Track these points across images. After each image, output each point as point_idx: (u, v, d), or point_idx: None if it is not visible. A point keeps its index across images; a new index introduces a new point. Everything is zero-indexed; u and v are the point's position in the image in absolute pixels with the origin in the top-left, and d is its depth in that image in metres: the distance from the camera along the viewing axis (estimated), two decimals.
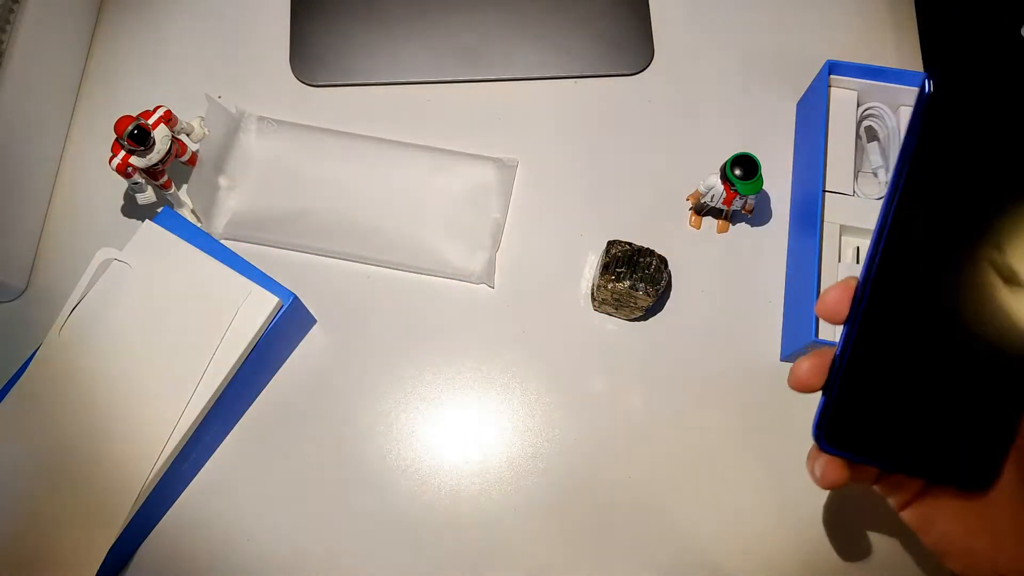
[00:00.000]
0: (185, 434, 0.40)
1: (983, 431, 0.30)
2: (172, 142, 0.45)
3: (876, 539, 0.44)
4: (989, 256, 0.30)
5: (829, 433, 0.31)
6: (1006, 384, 0.30)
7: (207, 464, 0.46)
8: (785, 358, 0.47)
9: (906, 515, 0.33)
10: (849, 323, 0.31)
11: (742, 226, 0.51)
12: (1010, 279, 0.30)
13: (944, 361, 0.30)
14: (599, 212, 0.51)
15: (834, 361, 0.31)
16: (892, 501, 0.33)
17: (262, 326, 0.42)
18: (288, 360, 0.48)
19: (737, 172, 0.46)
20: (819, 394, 0.32)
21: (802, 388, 0.32)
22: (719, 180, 0.47)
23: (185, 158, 0.48)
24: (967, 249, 0.30)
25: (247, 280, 0.43)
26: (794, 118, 0.53)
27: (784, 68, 0.54)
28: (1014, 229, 0.30)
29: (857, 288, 0.31)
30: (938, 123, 0.30)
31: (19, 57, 0.46)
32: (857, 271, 0.47)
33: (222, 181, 0.50)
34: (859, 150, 0.49)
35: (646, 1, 0.55)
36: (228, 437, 0.46)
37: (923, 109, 0.30)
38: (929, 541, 0.32)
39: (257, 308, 0.42)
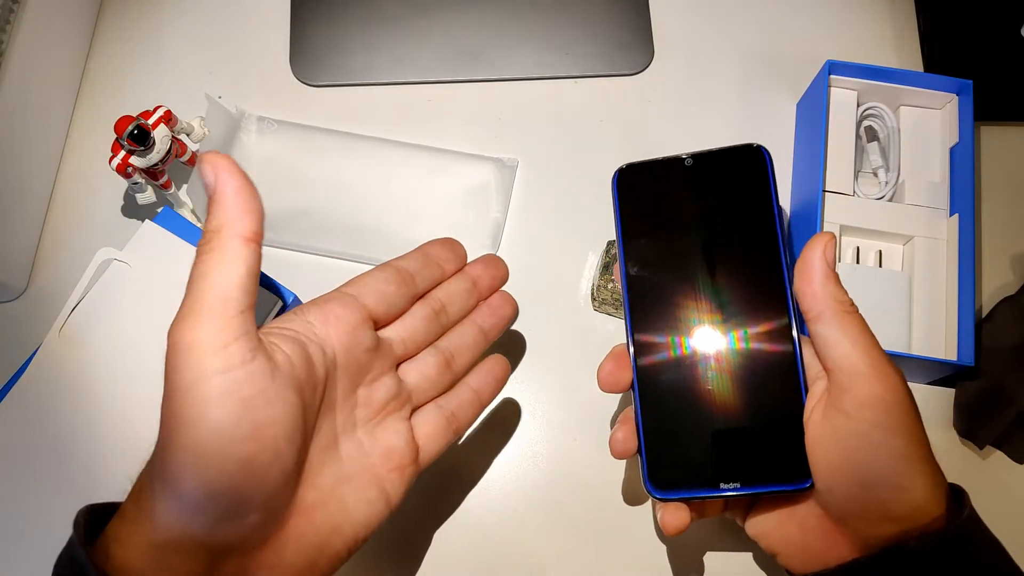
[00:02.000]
0: None
1: (781, 435, 0.33)
2: (172, 142, 0.45)
3: None
4: (708, 286, 0.35)
5: (655, 482, 0.34)
6: (780, 391, 0.34)
7: None
8: None
9: (747, 530, 0.36)
10: (633, 383, 0.35)
11: None
12: (730, 308, 0.35)
13: (720, 387, 0.34)
14: (599, 212, 0.51)
15: (635, 416, 0.35)
16: (737, 521, 0.37)
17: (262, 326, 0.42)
18: None
19: None
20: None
21: (621, 456, 0.36)
22: None
23: (185, 158, 0.48)
24: (691, 281, 0.36)
25: None
26: (794, 118, 0.53)
27: (784, 68, 0.54)
28: (714, 266, 0.35)
29: (628, 350, 0.36)
30: (629, 199, 0.38)
31: (19, 57, 0.46)
32: (857, 271, 0.47)
33: None
34: (859, 150, 0.49)
35: (646, 1, 0.55)
36: None
37: (615, 192, 0.38)
38: (764, 545, 0.35)
39: (257, 308, 0.42)
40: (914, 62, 0.54)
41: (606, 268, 0.45)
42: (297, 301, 0.44)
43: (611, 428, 0.36)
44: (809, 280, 0.33)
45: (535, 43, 0.54)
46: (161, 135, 0.45)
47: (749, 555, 0.44)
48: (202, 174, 0.30)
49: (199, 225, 0.47)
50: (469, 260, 0.40)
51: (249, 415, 0.27)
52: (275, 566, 0.30)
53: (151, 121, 0.44)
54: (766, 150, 0.36)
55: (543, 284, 0.49)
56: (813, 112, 0.49)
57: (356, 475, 0.33)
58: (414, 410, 0.36)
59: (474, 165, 0.51)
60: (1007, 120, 0.53)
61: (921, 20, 0.54)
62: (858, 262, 0.48)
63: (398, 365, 0.36)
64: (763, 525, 0.35)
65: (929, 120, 0.50)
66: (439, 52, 0.54)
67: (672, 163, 0.37)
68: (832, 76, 0.49)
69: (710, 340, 0.35)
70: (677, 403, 0.35)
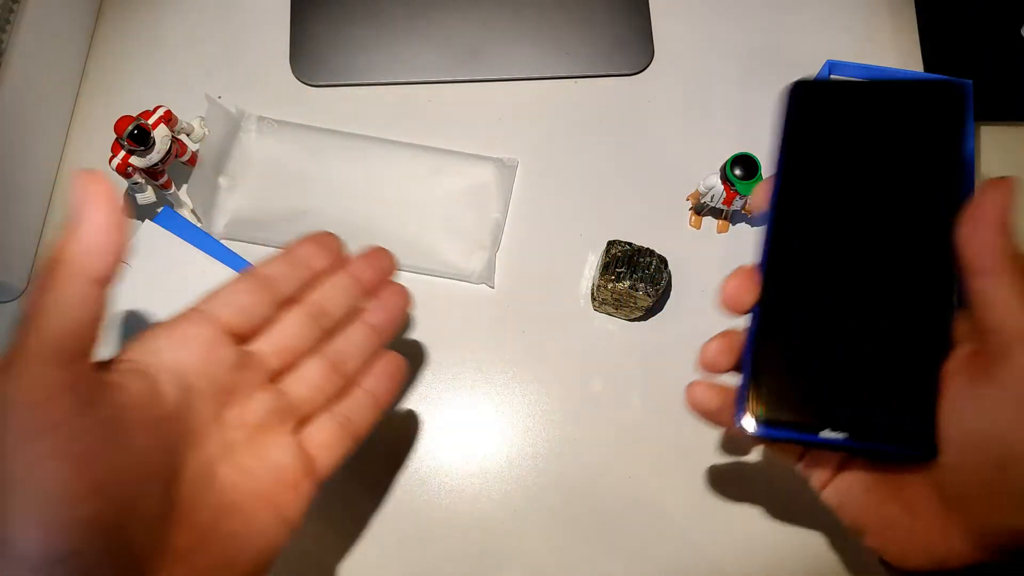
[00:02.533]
0: None
1: (911, 392, 0.29)
2: (172, 142, 0.45)
3: None
4: (871, 218, 0.32)
5: (757, 413, 0.30)
6: (921, 344, 0.30)
7: None
8: None
9: (825, 495, 0.32)
10: (755, 306, 0.32)
11: (742, 226, 0.51)
12: (897, 238, 0.31)
13: (854, 327, 0.31)
14: (599, 212, 0.51)
15: (746, 341, 0.31)
16: (813, 482, 0.33)
17: None
18: None
19: (737, 172, 0.46)
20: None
21: (710, 368, 0.32)
22: (719, 180, 0.47)
23: (185, 158, 0.48)
24: (851, 216, 0.32)
25: None
26: None
27: (784, 68, 0.54)
28: (887, 193, 0.32)
29: (759, 268, 0.32)
30: (800, 118, 0.34)
31: (19, 57, 0.46)
32: None
33: (222, 181, 0.50)
34: None
35: (646, 1, 0.55)
36: None
37: (787, 107, 0.34)
38: (847, 518, 0.31)
39: None
40: (914, 62, 0.54)
41: (606, 268, 0.46)
42: None
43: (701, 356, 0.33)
44: (981, 227, 0.28)
45: (535, 43, 0.54)
46: (161, 135, 0.45)
47: (751, 555, 0.44)
48: (74, 190, 0.26)
49: (199, 225, 0.47)
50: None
51: (89, 470, 0.25)
52: None
53: (151, 121, 0.44)
54: (968, 90, 0.31)
55: (543, 284, 0.49)
56: None
57: (242, 503, 0.30)
58: (305, 421, 0.34)
59: (474, 165, 0.51)
60: (1007, 120, 0.53)
61: (921, 20, 0.54)
62: None
63: (278, 377, 0.33)
64: (855, 495, 0.31)
65: None
66: (439, 52, 0.54)
67: (857, 89, 0.33)
68: (832, 76, 0.49)
69: (852, 271, 0.31)
70: (798, 334, 0.31)
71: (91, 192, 0.26)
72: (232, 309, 0.32)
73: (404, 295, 0.37)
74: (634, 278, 0.45)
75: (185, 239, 0.43)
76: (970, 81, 0.32)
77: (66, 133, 0.52)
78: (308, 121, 0.52)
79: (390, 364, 0.36)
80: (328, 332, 0.35)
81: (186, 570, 0.28)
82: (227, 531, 0.29)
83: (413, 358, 0.48)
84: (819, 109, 0.34)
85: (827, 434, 0.29)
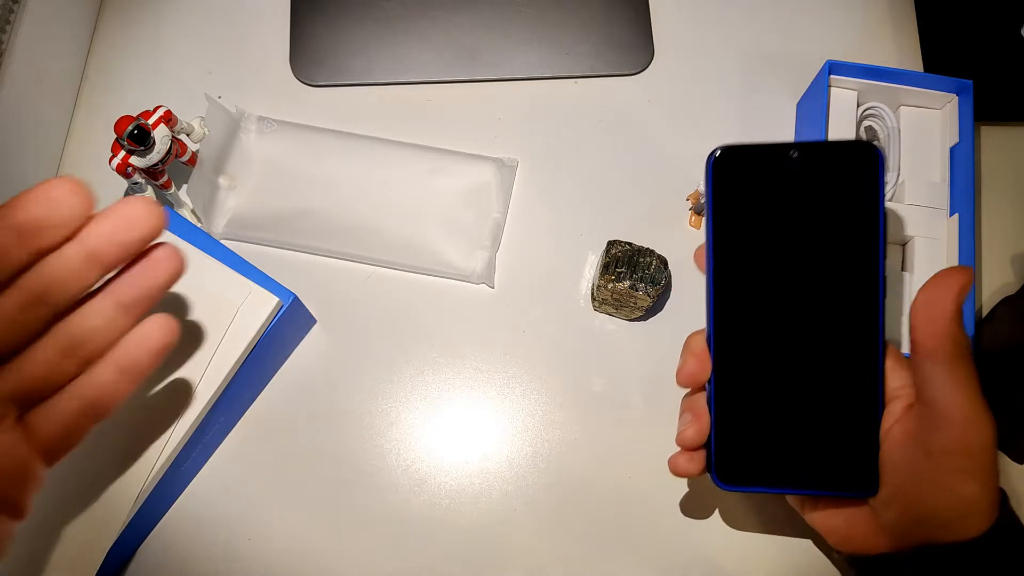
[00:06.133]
0: (185, 434, 0.40)
1: (853, 444, 0.34)
2: (172, 142, 0.45)
3: None
4: (801, 281, 0.34)
5: (723, 475, 0.36)
6: (858, 400, 0.34)
7: (207, 464, 0.46)
8: None
9: (808, 519, 0.38)
10: (711, 378, 0.36)
11: None
12: (820, 297, 0.34)
13: (799, 389, 0.35)
14: (599, 212, 0.51)
15: (709, 409, 0.36)
16: (795, 507, 0.39)
17: (262, 326, 0.42)
18: (288, 360, 0.48)
19: None
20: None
21: (689, 448, 0.36)
22: None
23: (185, 158, 0.48)
24: (783, 280, 0.34)
25: (247, 280, 0.43)
26: (794, 118, 0.53)
27: (784, 68, 0.54)
28: (806, 265, 0.34)
29: (708, 340, 0.36)
30: (725, 184, 0.35)
31: (19, 57, 0.46)
32: None
33: (222, 181, 0.50)
34: None
35: (646, 1, 0.55)
36: (228, 437, 0.46)
37: (711, 174, 0.35)
38: (807, 520, 0.38)
39: (257, 308, 0.42)
40: (914, 62, 0.54)
41: (606, 268, 0.45)
42: (298, 301, 0.44)
43: (679, 418, 0.38)
44: (933, 317, 0.32)
45: (535, 43, 0.54)
46: (161, 135, 0.45)
47: (751, 555, 0.44)
48: None
49: (199, 225, 0.47)
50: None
51: None
52: None
53: (151, 121, 0.44)
54: (881, 151, 0.33)
55: (543, 284, 0.49)
56: (813, 112, 0.49)
57: None
58: (35, 408, 0.31)
59: (474, 165, 0.51)
60: (1007, 120, 0.53)
61: (921, 20, 0.54)
62: None
63: None
64: (805, 505, 0.37)
65: (929, 120, 0.50)
66: (439, 52, 0.54)
67: (777, 150, 0.34)
68: (832, 76, 0.49)
69: (794, 341, 0.34)
70: (753, 400, 0.35)
71: None
72: None
73: (169, 264, 0.31)
74: (634, 278, 0.45)
75: (185, 239, 0.43)
76: (880, 149, 0.34)
77: (66, 133, 0.52)
78: (308, 121, 0.52)
79: (152, 331, 0.32)
80: (54, 312, 0.30)
81: None
82: None
83: (412, 358, 0.48)
84: (742, 174, 0.35)
85: (787, 487, 0.35)
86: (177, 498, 0.45)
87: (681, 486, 0.45)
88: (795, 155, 0.34)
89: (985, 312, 0.48)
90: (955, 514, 0.32)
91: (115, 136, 0.43)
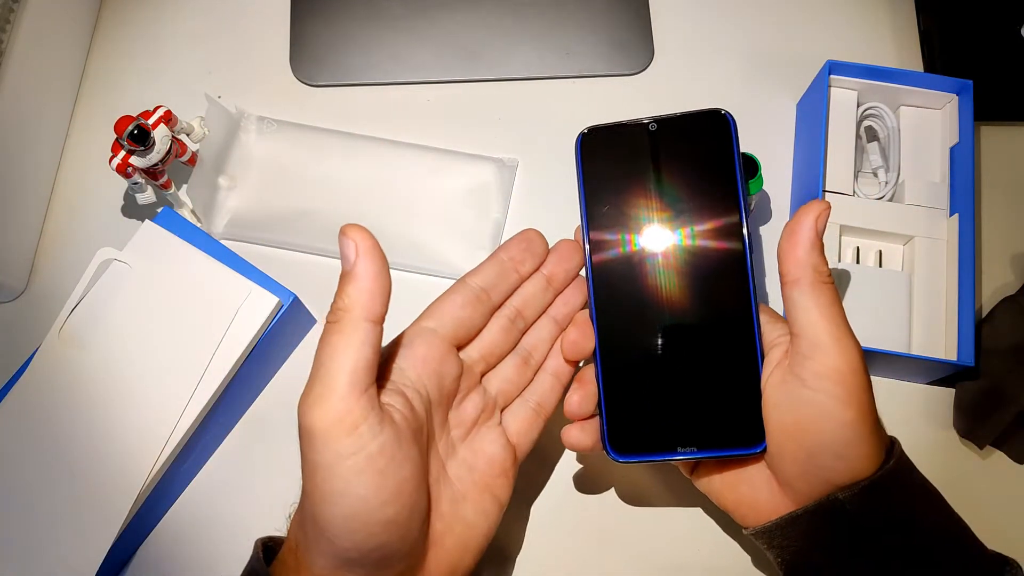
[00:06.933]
0: (185, 434, 0.40)
1: (738, 401, 0.35)
2: (172, 142, 0.45)
3: None
4: (671, 249, 0.36)
5: (615, 445, 0.36)
6: (737, 358, 0.35)
7: (207, 464, 0.46)
8: None
9: (694, 482, 0.39)
10: (595, 350, 0.37)
11: None
12: (685, 267, 0.36)
13: (679, 354, 0.36)
14: None
15: (597, 382, 0.37)
16: (684, 473, 0.39)
17: (262, 326, 0.42)
18: (288, 360, 0.48)
19: None
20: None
21: (577, 418, 0.37)
22: None
23: (185, 158, 0.48)
24: (653, 249, 0.36)
25: (247, 280, 0.43)
26: (794, 118, 0.53)
27: (784, 68, 0.54)
28: (675, 231, 0.36)
29: (590, 314, 0.37)
30: (593, 162, 0.38)
31: (19, 57, 0.46)
32: (857, 271, 0.47)
33: (222, 181, 0.50)
34: (859, 150, 0.49)
35: (646, 1, 0.55)
36: (228, 437, 0.46)
37: (579, 153, 0.38)
38: (714, 500, 0.38)
39: (257, 308, 0.42)
40: (914, 62, 0.54)
41: None
42: (297, 301, 0.44)
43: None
44: (795, 244, 0.33)
45: (535, 43, 0.54)
46: (161, 135, 0.45)
47: (751, 552, 0.44)
48: (341, 247, 0.31)
49: (199, 225, 0.47)
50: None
51: (386, 483, 0.30)
52: None
53: (151, 121, 0.44)
54: (731, 116, 0.36)
55: None
56: (813, 112, 0.49)
57: (469, 492, 0.35)
58: (503, 411, 0.38)
59: (474, 165, 0.51)
60: (1007, 120, 0.53)
61: (921, 20, 0.54)
62: (858, 262, 0.48)
63: (481, 377, 0.38)
64: (712, 483, 0.37)
65: (929, 120, 0.50)
66: (439, 52, 0.54)
67: (636, 127, 0.37)
68: (832, 76, 0.49)
69: (670, 307, 0.36)
70: (637, 369, 0.36)
71: (363, 246, 0.31)
72: (455, 324, 0.36)
73: (583, 290, 0.39)
74: None
75: (185, 239, 0.43)
76: (730, 114, 0.36)
77: (66, 133, 0.52)
78: (308, 121, 0.52)
79: (568, 345, 0.38)
80: (522, 332, 0.39)
81: (441, 552, 0.34)
82: (462, 516, 0.35)
83: None
84: (609, 151, 0.38)
85: (681, 450, 0.36)
86: (177, 498, 0.45)
87: (682, 486, 0.45)
88: (654, 128, 0.37)
89: (985, 312, 0.48)
90: (838, 441, 0.32)
91: (115, 136, 0.43)
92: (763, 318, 0.36)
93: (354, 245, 0.31)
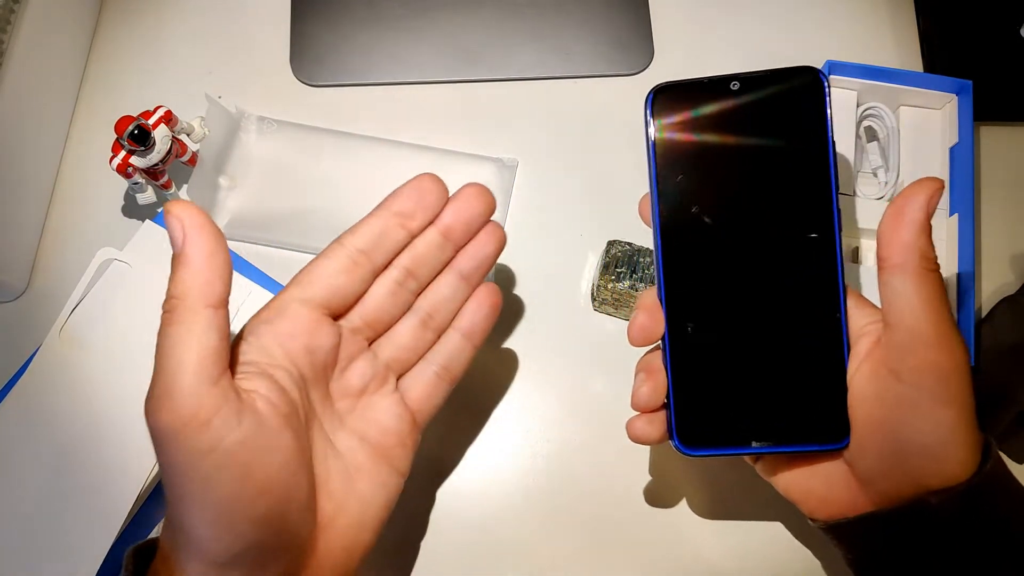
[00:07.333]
0: None
1: (819, 393, 0.32)
2: (172, 142, 0.45)
3: None
4: (753, 225, 0.32)
5: (684, 438, 0.33)
6: (820, 346, 0.32)
7: None
8: None
9: (758, 468, 0.36)
10: (664, 335, 0.33)
11: None
12: (780, 249, 0.32)
13: (758, 341, 0.32)
14: (599, 212, 0.51)
15: (666, 370, 0.33)
16: (746, 458, 0.37)
17: None
18: None
19: None
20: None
21: (645, 411, 0.34)
22: None
23: (185, 158, 0.48)
24: (733, 225, 0.32)
25: (247, 280, 0.43)
26: None
27: None
28: (757, 207, 0.32)
29: (659, 297, 0.33)
30: (665, 125, 0.33)
31: (19, 57, 0.46)
32: (856, 271, 0.47)
33: (222, 181, 0.50)
34: (859, 150, 0.49)
35: (646, 1, 0.55)
36: None
37: (649, 116, 0.34)
38: (778, 488, 0.35)
39: (257, 308, 0.42)
40: (914, 62, 0.54)
41: (606, 268, 0.46)
42: None
43: (634, 379, 0.35)
44: (902, 225, 0.30)
45: (535, 43, 0.54)
46: (161, 135, 0.45)
47: (750, 553, 0.44)
48: (168, 227, 0.29)
49: None
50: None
51: (252, 476, 0.28)
52: None
53: (151, 121, 0.44)
54: (824, 75, 0.32)
55: (543, 284, 0.49)
56: None
57: (362, 464, 0.33)
58: (400, 377, 0.36)
59: (474, 165, 0.51)
60: (1007, 120, 0.53)
61: (921, 20, 0.54)
62: (856, 262, 0.48)
63: (370, 344, 0.35)
64: (783, 475, 0.34)
65: (929, 120, 0.50)
66: (439, 52, 0.54)
67: (717, 84, 0.33)
68: (832, 76, 0.49)
69: (749, 288, 0.32)
70: (710, 356, 0.33)
71: (189, 223, 0.28)
72: (327, 292, 0.33)
73: (496, 237, 0.36)
74: (634, 278, 0.45)
75: None
76: (823, 72, 0.32)
77: (66, 133, 0.52)
78: (308, 121, 0.52)
79: (485, 300, 0.36)
80: (415, 293, 0.36)
81: (332, 534, 0.31)
82: (357, 491, 0.33)
83: None
84: (684, 113, 0.33)
85: (757, 444, 0.32)
86: None
87: (682, 486, 0.45)
88: (736, 87, 0.33)
89: (985, 312, 0.48)
90: (934, 442, 0.29)
91: (115, 136, 0.44)
92: (849, 302, 0.32)
93: (180, 224, 0.28)
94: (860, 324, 0.32)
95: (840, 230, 0.32)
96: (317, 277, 0.33)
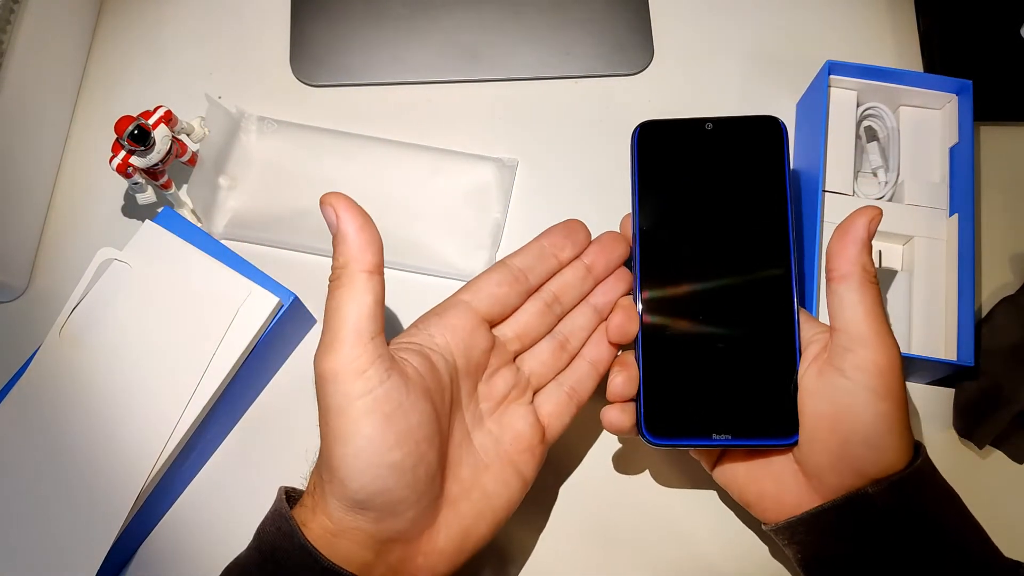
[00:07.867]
0: (185, 434, 0.40)
1: (774, 392, 0.36)
2: (172, 142, 0.45)
3: None
4: (718, 244, 0.38)
5: (652, 429, 0.37)
6: (775, 351, 0.37)
7: (207, 464, 0.46)
8: None
9: (715, 475, 0.39)
10: (638, 335, 0.38)
11: None
12: (741, 263, 0.38)
13: (720, 343, 0.37)
14: (599, 212, 0.50)
15: (638, 365, 0.37)
16: (704, 465, 0.40)
17: (262, 326, 0.42)
18: (288, 360, 0.48)
19: None
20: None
21: (618, 400, 0.38)
22: None
23: (185, 158, 0.48)
24: (701, 243, 0.38)
25: (247, 280, 0.43)
26: (794, 118, 0.53)
27: (784, 68, 0.54)
28: (723, 228, 0.38)
29: (635, 299, 0.38)
30: (648, 156, 0.40)
31: (19, 57, 0.47)
32: None
33: (222, 181, 0.50)
34: (859, 150, 0.49)
35: (646, 1, 0.55)
36: (228, 437, 0.46)
37: (635, 147, 0.40)
38: (734, 494, 0.38)
39: (257, 308, 0.42)
40: (914, 62, 0.54)
41: None
42: (298, 301, 0.44)
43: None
44: (848, 242, 0.35)
45: (535, 43, 0.54)
46: (161, 135, 0.45)
47: (751, 553, 0.44)
48: (324, 214, 0.34)
49: (199, 225, 0.47)
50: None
51: (392, 427, 0.31)
52: (430, 552, 0.34)
53: (151, 121, 0.44)
54: (783, 123, 0.39)
55: None
56: (813, 112, 0.49)
57: (492, 463, 0.37)
58: (536, 392, 0.39)
59: (474, 165, 0.51)
60: (1007, 120, 0.53)
61: (921, 20, 0.54)
62: None
63: (515, 357, 0.39)
64: (735, 476, 0.38)
65: (929, 120, 0.50)
66: (439, 52, 0.54)
67: (693, 124, 0.40)
68: (832, 76, 0.49)
69: (714, 298, 0.38)
70: (677, 355, 0.37)
71: (340, 206, 0.33)
72: (490, 301, 0.37)
73: (625, 280, 0.40)
74: None
75: (185, 239, 0.43)
76: (782, 121, 0.39)
77: (66, 133, 0.52)
78: (308, 121, 0.52)
79: (613, 328, 0.39)
80: (559, 317, 0.40)
81: (454, 514, 0.35)
82: (482, 485, 0.36)
83: None
84: (663, 145, 0.40)
85: (716, 436, 0.36)
86: (177, 498, 0.45)
87: (682, 486, 0.45)
88: (710, 127, 0.39)
89: (985, 312, 0.48)
90: (873, 433, 0.33)
91: (115, 136, 0.44)
92: (802, 317, 0.37)
93: (332, 210, 0.33)
94: (810, 334, 0.37)
95: (794, 251, 0.37)
96: (483, 286, 0.38)
